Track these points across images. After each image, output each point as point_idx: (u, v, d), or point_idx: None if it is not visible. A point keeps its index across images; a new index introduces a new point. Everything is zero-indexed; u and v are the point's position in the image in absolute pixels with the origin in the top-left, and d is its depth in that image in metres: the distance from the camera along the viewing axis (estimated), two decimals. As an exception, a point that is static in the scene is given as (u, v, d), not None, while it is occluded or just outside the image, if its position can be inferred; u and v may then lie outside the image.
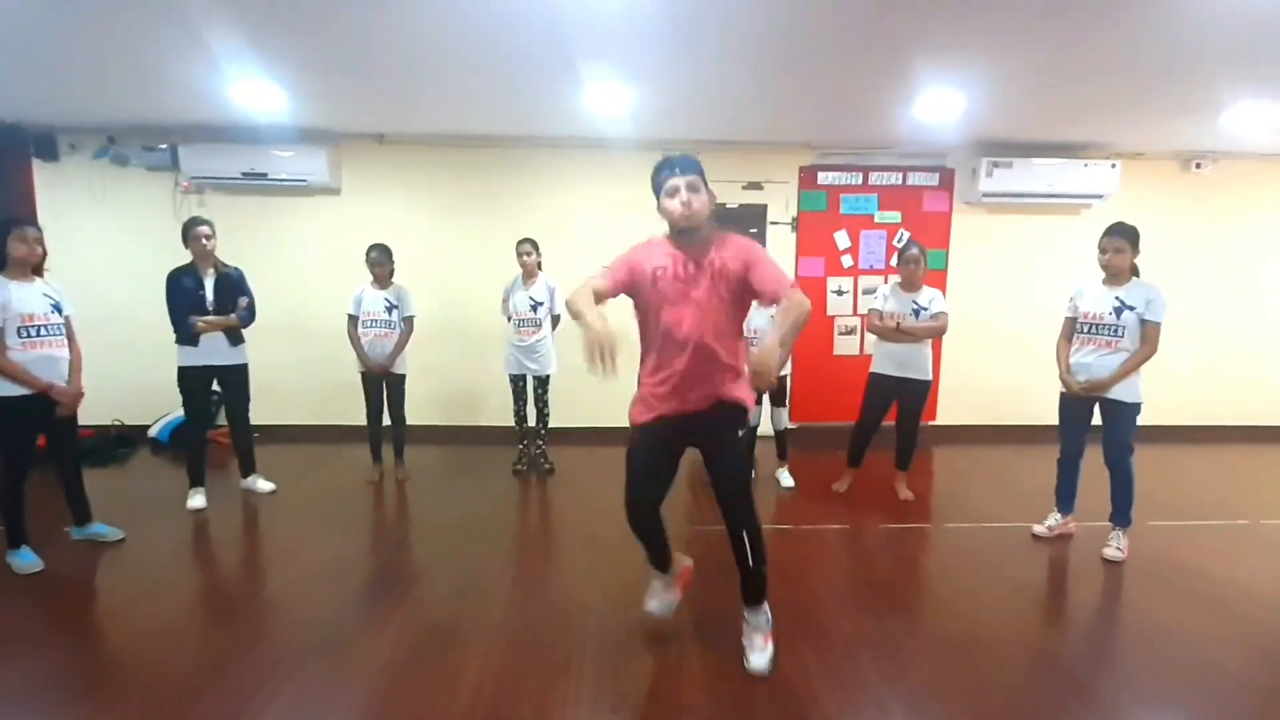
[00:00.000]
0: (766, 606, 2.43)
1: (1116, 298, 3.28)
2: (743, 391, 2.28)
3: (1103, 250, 3.31)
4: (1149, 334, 3.22)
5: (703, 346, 2.18)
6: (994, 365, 5.66)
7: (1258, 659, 2.47)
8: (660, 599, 2.55)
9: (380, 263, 4.31)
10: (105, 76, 3.84)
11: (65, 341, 3.15)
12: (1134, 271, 3.32)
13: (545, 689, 2.24)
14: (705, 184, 2.20)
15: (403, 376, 4.46)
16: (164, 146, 5.00)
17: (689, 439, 2.33)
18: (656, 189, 2.22)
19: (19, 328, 2.98)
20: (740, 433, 2.30)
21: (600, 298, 2.15)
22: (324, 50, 3.36)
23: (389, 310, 4.32)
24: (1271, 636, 2.63)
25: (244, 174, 5.00)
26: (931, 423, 5.63)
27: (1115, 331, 3.27)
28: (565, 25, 2.96)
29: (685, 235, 2.20)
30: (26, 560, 3.06)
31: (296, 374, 5.36)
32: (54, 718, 2.13)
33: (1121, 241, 3.25)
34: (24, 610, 2.78)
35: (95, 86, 4.05)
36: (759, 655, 2.33)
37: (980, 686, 2.29)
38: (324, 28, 3.05)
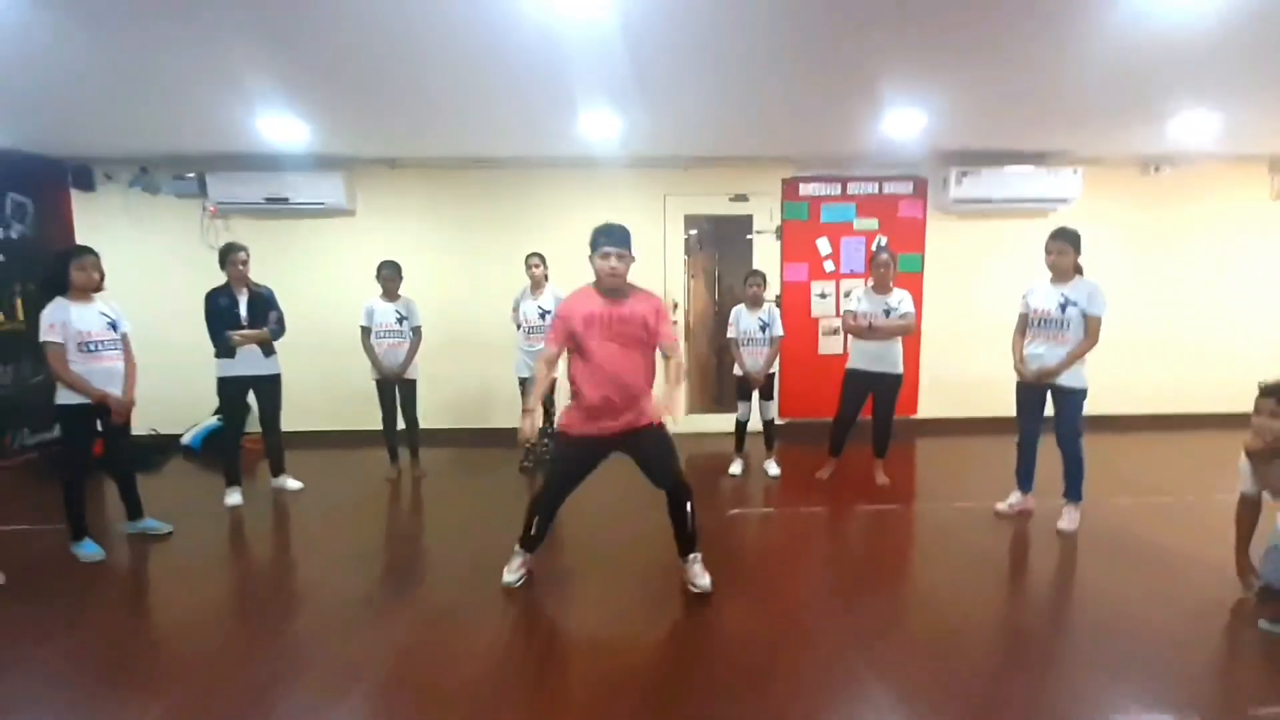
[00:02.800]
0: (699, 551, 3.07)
1: (1062, 294, 3.62)
2: (654, 411, 2.92)
3: (1048, 252, 3.66)
4: (1090, 326, 3.55)
5: (625, 377, 2.80)
6: (970, 362, 5.92)
7: (1180, 615, 2.77)
8: (519, 574, 3.09)
9: (390, 277, 4.69)
10: (138, 111, 4.16)
11: (121, 355, 3.51)
12: (1077, 270, 3.67)
13: (545, 660, 2.54)
14: (630, 252, 2.81)
15: (414, 382, 4.83)
16: (192, 175, 5.39)
17: (616, 449, 2.93)
18: (593, 246, 2.81)
19: (79, 344, 3.34)
20: (661, 438, 2.95)
21: (554, 359, 2.89)
22: (341, 85, 3.66)
23: (399, 321, 4.70)
24: (1196, 596, 2.92)
25: (266, 199, 5.38)
26: (913, 416, 5.97)
27: (1061, 325, 3.61)
28: (562, 57, 3.23)
29: (610, 290, 2.82)
30: (90, 550, 3.43)
31: (314, 383, 5.68)
32: (120, 679, 2.45)
33: (1064, 244, 3.60)
34: (91, 591, 3.14)
35: (129, 121, 4.38)
36: (703, 579, 3.00)
37: (938, 643, 2.60)
38: (341, 65, 3.34)
